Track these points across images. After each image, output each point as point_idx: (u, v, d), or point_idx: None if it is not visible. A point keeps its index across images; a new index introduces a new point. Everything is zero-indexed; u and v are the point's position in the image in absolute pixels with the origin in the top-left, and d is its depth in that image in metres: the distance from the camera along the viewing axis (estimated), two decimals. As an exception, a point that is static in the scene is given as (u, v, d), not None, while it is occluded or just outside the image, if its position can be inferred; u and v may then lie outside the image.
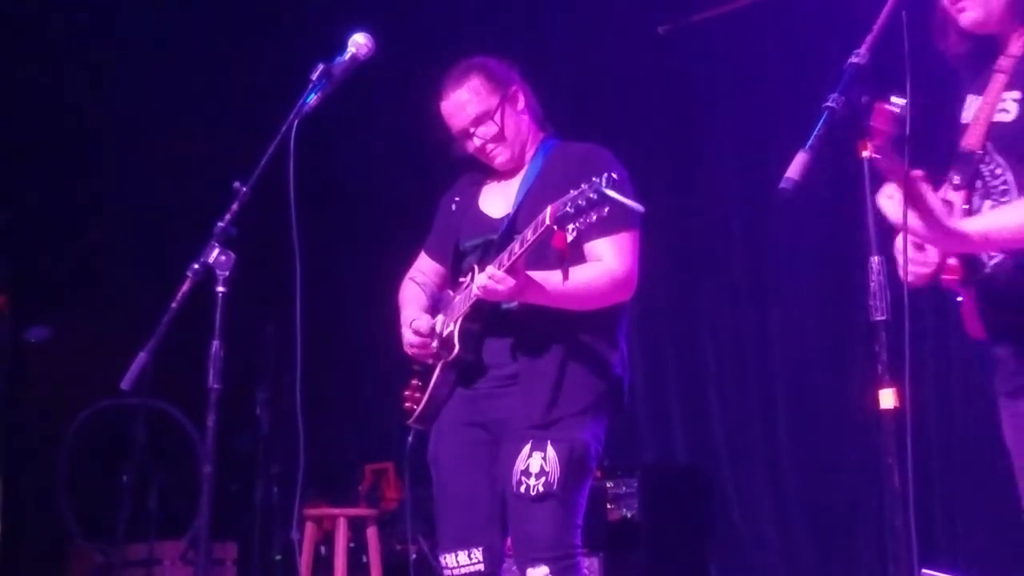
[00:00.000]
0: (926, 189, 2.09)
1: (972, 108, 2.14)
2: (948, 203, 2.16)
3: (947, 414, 4.57)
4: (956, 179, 2.16)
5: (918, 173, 2.08)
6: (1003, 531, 4.21)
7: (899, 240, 2.22)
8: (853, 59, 1.79)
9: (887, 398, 1.74)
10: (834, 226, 4.75)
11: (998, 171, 2.11)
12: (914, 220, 2.00)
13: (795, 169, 1.74)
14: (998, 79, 2.05)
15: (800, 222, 4.98)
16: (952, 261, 2.22)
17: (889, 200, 2.11)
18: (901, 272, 2.23)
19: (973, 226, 2.09)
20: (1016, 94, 2.05)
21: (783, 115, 5.03)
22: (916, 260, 2.22)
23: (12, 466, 5.72)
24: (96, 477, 5.84)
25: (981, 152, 2.12)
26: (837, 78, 1.79)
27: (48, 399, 6.08)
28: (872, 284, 1.76)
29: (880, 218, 1.98)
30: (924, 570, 3.14)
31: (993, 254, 2.12)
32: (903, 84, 1.98)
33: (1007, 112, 2.04)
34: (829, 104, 1.77)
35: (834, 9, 4.74)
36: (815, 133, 1.76)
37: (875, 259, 1.75)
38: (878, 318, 1.76)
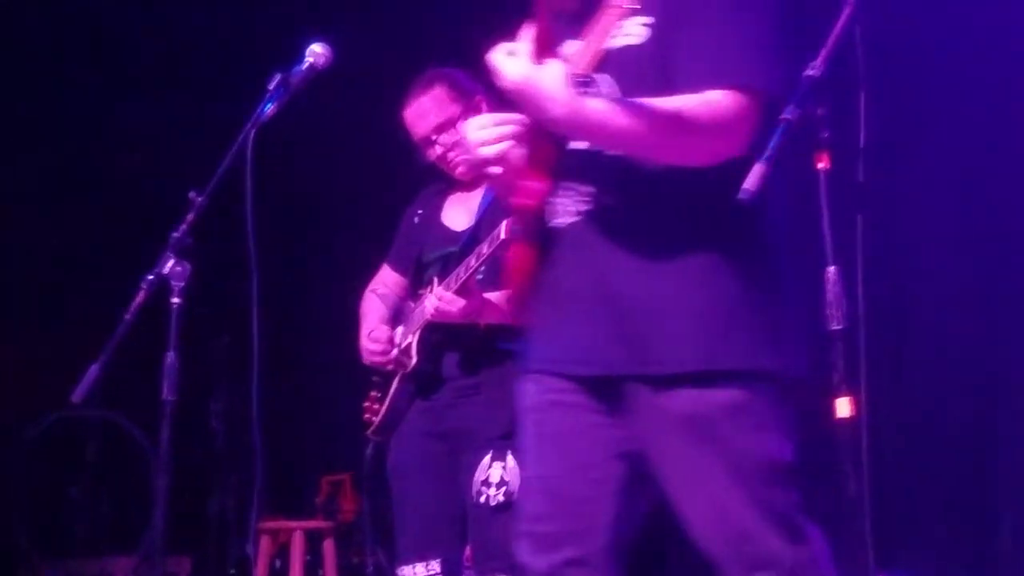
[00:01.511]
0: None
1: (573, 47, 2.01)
2: None
3: (903, 423, 4.62)
4: None
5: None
6: (959, 537, 4.25)
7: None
8: (808, 71, 1.80)
9: (843, 407, 1.75)
10: (789, 236, 4.78)
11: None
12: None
13: (752, 180, 1.74)
14: (611, 12, 1.93)
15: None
16: (533, 184, 1.97)
17: (511, 57, 1.93)
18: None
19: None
20: (648, 19, 1.97)
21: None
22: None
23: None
24: (47, 491, 5.76)
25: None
26: (793, 90, 1.81)
27: (-3, 412, 5.99)
28: (828, 294, 1.77)
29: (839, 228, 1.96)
30: (880, 576, 3.16)
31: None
32: (857, 95, 1.99)
33: (631, 36, 1.96)
34: (785, 116, 1.78)
35: (794, 12, 4.77)
36: (772, 144, 1.77)
37: (831, 269, 1.77)
38: (834, 327, 1.77)
